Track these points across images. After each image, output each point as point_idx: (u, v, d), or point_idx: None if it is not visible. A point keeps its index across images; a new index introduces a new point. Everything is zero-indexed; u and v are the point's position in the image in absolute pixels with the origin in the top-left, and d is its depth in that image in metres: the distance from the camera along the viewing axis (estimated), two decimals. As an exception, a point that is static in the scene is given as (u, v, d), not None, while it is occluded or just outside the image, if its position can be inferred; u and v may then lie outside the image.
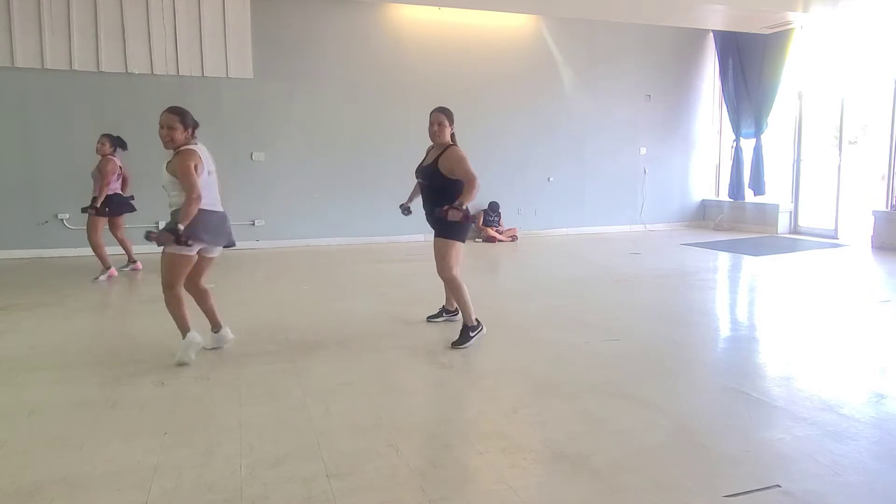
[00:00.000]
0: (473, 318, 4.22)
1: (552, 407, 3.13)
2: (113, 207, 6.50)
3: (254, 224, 8.68)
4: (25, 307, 5.26)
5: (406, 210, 4.75)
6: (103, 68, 7.81)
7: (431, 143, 4.37)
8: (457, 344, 4.12)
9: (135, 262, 6.88)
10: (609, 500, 2.28)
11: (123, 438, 2.77)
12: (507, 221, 9.68)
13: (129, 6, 7.82)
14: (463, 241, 4.24)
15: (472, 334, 4.18)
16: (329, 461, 2.55)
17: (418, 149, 10.46)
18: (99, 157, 6.47)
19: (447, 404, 3.27)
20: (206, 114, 8.32)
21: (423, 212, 4.36)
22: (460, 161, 4.08)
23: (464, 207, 3.86)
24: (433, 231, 4.29)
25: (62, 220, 7.84)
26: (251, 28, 8.34)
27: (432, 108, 4.37)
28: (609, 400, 3.22)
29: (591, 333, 4.46)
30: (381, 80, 9.03)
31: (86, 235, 6.51)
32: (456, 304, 4.48)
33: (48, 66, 7.61)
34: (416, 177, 4.38)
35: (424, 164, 4.31)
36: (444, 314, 4.78)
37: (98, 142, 6.47)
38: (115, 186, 6.49)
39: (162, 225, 3.68)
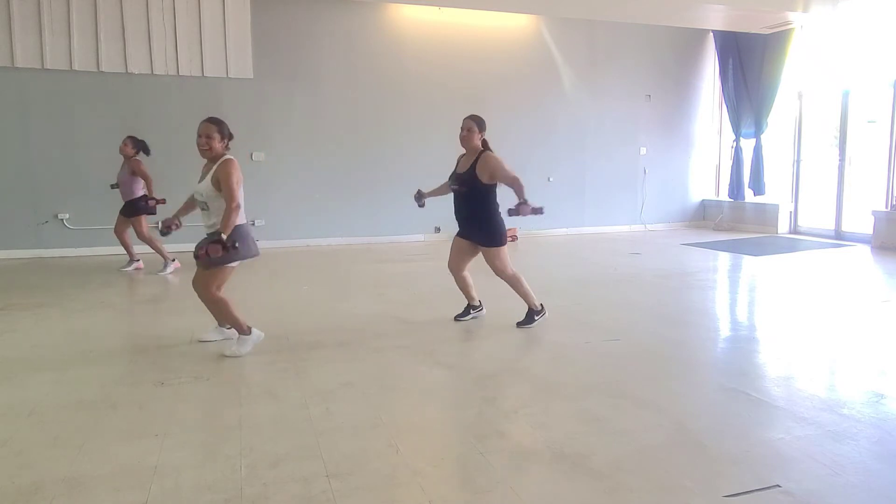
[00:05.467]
0: (537, 303, 4.59)
1: (552, 407, 3.13)
2: (142, 208, 6.78)
3: (254, 224, 8.64)
4: (25, 307, 5.26)
5: (420, 198, 4.74)
6: (103, 68, 7.81)
7: (464, 152, 4.52)
8: (523, 324, 4.54)
9: (137, 260, 7.01)
10: (609, 500, 2.28)
11: (123, 438, 2.78)
12: (507, 221, 9.66)
13: (129, 6, 7.82)
14: (504, 244, 4.51)
15: (536, 317, 4.56)
16: (329, 461, 2.55)
17: (418, 148, 10.41)
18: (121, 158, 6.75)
19: (447, 404, 3.27)
20: (206, 114, 8.31)
21: (456, 219, 4.56)
22: (499, 166, 4.29)
23: (528, 204, 4.18)
24: (466, 237, 4.51)
25: (62, 220, 7.84)
26: (251, 28, 8.34)
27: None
28: (609, 400, 3.22)
29: (591, 333, 4.46)
30: (381, 80, 9.03)
31: (113, 231, 6.94)
32: (475, 297, 4.74)
33: (48, 66, 7.60)
34: (451, 185, 4.50)
35: (459, 172, 4.44)
36: (471, 311, 4.78)
37: (122, 143, 6.71)
38: (140, 188, 6.78)
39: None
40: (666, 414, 3.03)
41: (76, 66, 7.71)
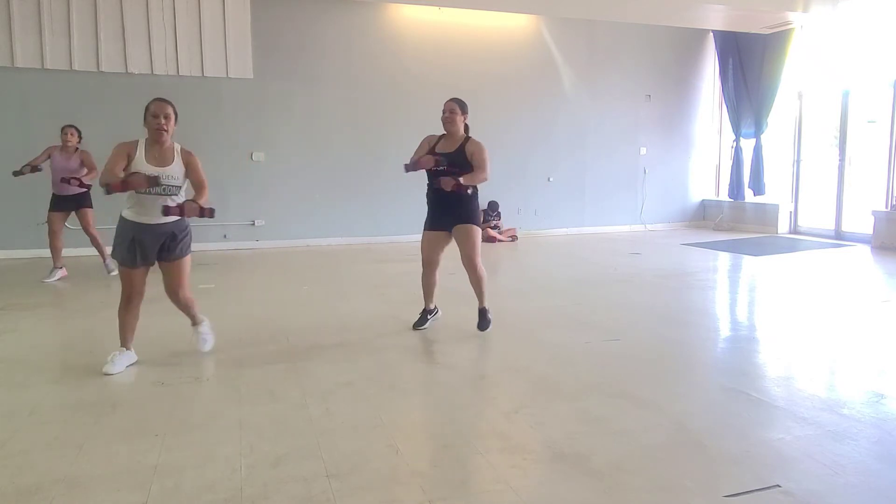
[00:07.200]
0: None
1: (552, 407, 3.13)
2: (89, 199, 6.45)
3: (254, 224, 8.67)
4: (25, 307, 5.26)
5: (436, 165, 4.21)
6: (103, 68, 7.81)
7: (442, 133, 4.37)
8: (484, 327, 4.41)
9: (61, 267, 6.53)
10: (609, 500, 2.28)
11: (123, 438, 2.77)
12: (506, 221, 9.67)
13: (129, 6, 7.82)
14: (480, 228, 4.43)
15: (489, 315, 4.45)
16: (329, 461, 2.55)
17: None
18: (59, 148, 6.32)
19: (447, 404, 3.27)
20: (206, 114, 8.40)
21: (432, 206, 4.37)
22: (482, 150, 4.25)
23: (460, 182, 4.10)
24: (439, 227, 4.34)
25: (62, 220, 7.83)
26: (251, 28, 8.35)
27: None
28: (609, 400, 3.22)
29: (591, 333, 4.46)
30: (380, 80, 9.03)
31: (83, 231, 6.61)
32: (434, 300, 4.58)
33: (48, 66, 7.61)
34: (439, 165, 4.21)
35: (443, 152, 4.26)
36: (428, 317, 4.55)
37: (68, 133, 6.27)
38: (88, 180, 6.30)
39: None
40: (666, 414, 3.03)
41: (76, 66, 7.71)
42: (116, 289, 6.07)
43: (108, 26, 7.77)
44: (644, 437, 2.78)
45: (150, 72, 7.96)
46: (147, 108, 3.50)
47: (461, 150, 4.25)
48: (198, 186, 3.66)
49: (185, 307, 3.88)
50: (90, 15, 7.69)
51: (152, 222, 3.52)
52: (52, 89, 7.71)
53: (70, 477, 2.44)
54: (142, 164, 3.45)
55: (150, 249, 3.57)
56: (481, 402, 3.24)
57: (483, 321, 4.41)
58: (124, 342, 3.72)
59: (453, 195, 4.18)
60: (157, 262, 3.67)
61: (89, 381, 3.51)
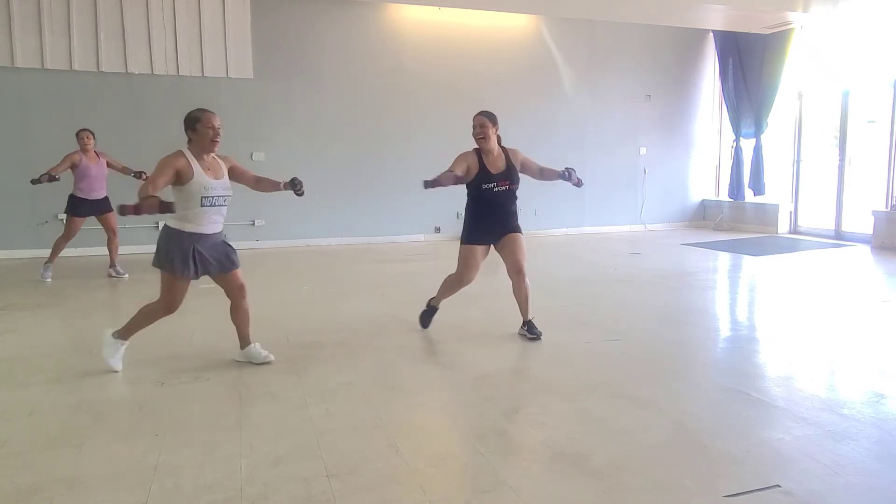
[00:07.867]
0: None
1: (552, 407, 3.13)
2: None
3: (254, 224, 8.68)
4: (25, 307, 5.26)
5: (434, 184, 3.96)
6: (103, 68, 7.81)
7: (475, 148, 4.21)
8: (535, 336, 4.27)
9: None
10: (609, 500, 2.28)
11: (123, 438, 2.78)
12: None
13: (129, 6, 7.82)
14: None
15: (536, 328, 4.32)
16: (329, 461, 2.55)
17: (418, 148, 10.34)
18: (85, 152, 6.30)
19: (447, 404, 3.27)
20: (206, 114, 8.38)
21: (488, 223, 4.21)
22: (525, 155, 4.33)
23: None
24: (490, 241, 4.24)
25: (62, 220, 7.82)
26: (251, 28, 8.35)
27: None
28: (609, 400, 3.22)
29: (591, 333, 4.46)
30: (380, 80, 9.03)
31: (113, 236, 6.59)
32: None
33: (48, 66, 7.61)
34: (497, 184, 4.15)
35: (504, 170, 4.18)
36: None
37: (85, 137, 6.26)
38: None
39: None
40: (666, 414, 3.03)
41: (76, 66, 7.71)
42: (115, 289, 6.12)
43: (108, 26, 7.77)
44: (644, 437, 2.78)
45: (150, 72, 7.96)
46: (198, 119, 3.43)
47: (512, 165, 4.20)
48: (256, 178, 3.70)
49: (248, 315, 3.77)
50: (90, 15, 7.69)
51: (213, 231, 3.52)
52: (52, 89, 7.71)
53: (70, 477, 2.44)
54: (202, 177, 3.40)
55: (209, 260, 3.51)
56: (481, 402, 3.24)
57: (535, 328, 4.26)
58: (128, 337, 3.64)
59: (510, 206, 4.22)
60: (216, 277, 3.64)
61: (89, 380, 3.51)
